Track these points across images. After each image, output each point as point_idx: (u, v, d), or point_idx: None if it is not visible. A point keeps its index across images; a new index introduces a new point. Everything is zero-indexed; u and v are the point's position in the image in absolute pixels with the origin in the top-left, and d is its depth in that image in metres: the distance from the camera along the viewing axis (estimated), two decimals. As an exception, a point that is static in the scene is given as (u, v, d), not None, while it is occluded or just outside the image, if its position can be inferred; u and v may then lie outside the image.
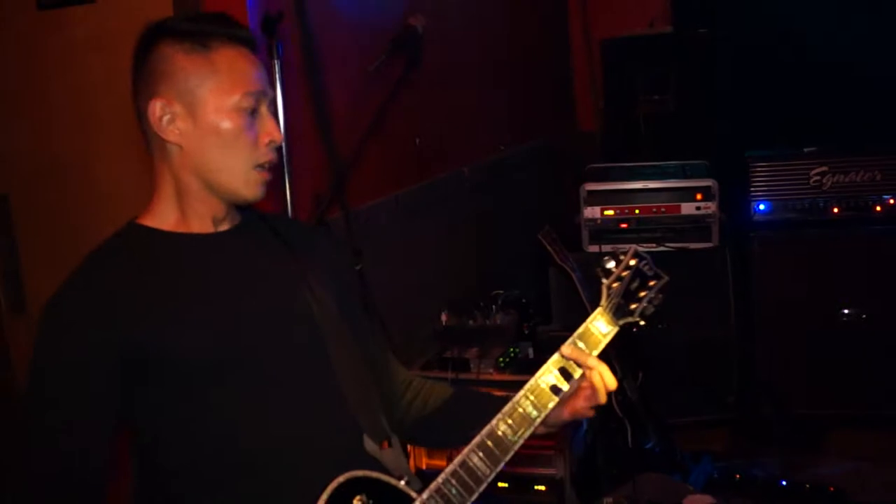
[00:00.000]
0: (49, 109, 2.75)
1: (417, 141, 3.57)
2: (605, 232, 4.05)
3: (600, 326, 1.76)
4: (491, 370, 3.23)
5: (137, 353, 1.51)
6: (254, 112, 1.61)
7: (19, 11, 2.71)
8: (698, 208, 3.99)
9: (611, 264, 1.80)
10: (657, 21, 5.12)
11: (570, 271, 3.73)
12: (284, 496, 1.55)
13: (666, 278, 1.82)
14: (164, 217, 1.64)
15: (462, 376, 3.19)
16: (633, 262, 1.80)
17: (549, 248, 3.78)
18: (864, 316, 4.07)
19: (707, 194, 3.98)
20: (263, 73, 1.65)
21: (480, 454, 1.63)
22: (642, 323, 1.81)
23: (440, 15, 3.65)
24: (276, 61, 2.33)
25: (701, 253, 4.02)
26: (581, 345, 1.74)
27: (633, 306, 1.78)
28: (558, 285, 4.12)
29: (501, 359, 3.26)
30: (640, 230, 4.05)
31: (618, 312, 1.78)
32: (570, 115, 5.48)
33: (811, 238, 4.12)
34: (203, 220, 1.64)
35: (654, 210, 4.02)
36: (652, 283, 1.81)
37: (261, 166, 1.63)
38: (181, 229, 1.63)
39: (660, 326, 1.80)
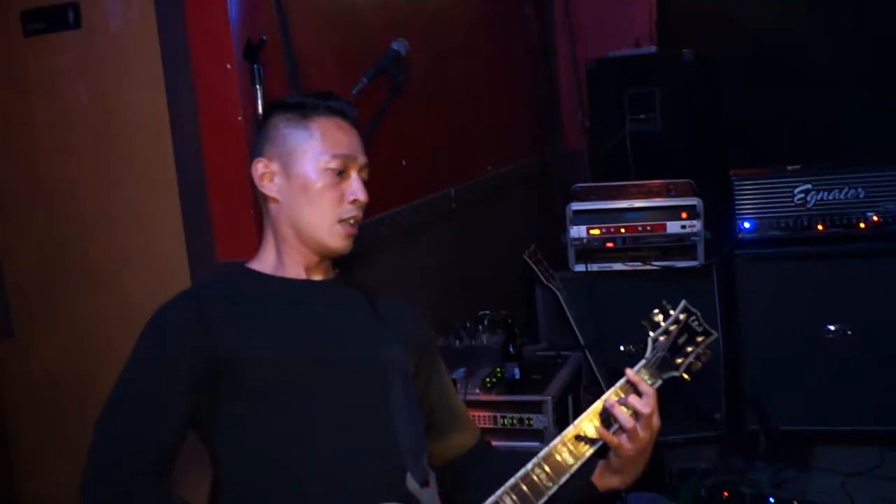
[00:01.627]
0: (34, 136, 2.75)
1: (404, 163, 3.57)
2: (591, 251, 4.06)
3: (643, 378, 1.79)
4: (477, 390, 3.22)
5: (219, 363, 1.69)
6: (341, 173, 1.86)
7: (4, 38, 2.72)
8: (683, 227, 4.00)
9: (659, 317, 1.83)
10: (642, 40, 5.16)
11: (556, 291, 3.76)
12: None
13: (715, 335, 1.85)
14: (265, 262, 1.90)
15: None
16: (682, 317, 1.84)
17: (535, 267, 3.81)
18: (849, 332, 4.09)
19: (692, 213, 3.99)
20: (356, 141, 1.92)
21: (514, 497, 1.71)
22: (686, 378, 1.82)
23: (426, 38, 3.67)
24: (257, 87, 2.35)
25: (687, 271, 4.03)
26: (623, 396, 1.77)
27: (679, 361, 1.82)
28: (545, 305, 4.14)
29: (488, 379, 3.26)
30: (626, 249, 4.05)
31: (662, 366, 1.81)
32: (556, 135, 5.50)
33: (796, 255, 4.13)
34: (297, 267, 1.88)
35: (640, 229, 4.03)
36: (700, 339, 1.83)
37: (344, 221, 1.86)
38: (279, 273, 1.87)
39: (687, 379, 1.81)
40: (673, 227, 4.01)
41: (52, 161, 2.75)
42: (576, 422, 1.77)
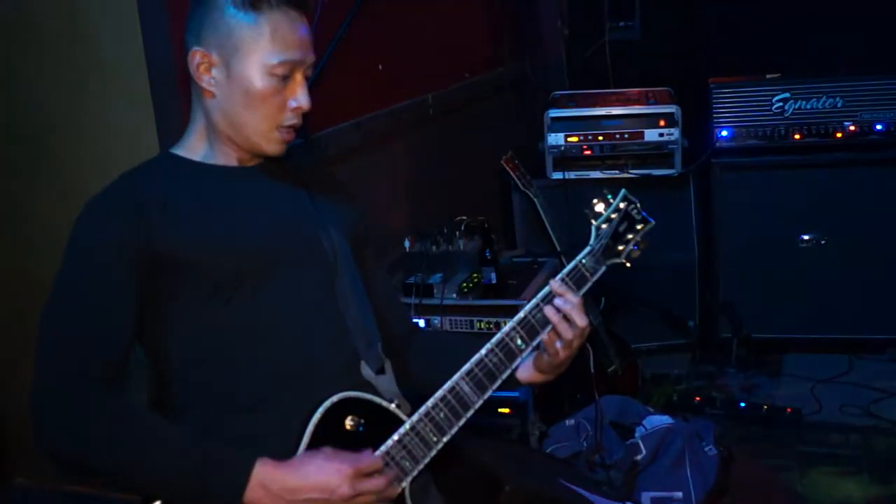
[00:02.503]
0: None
1: (380, 67, 3.53)
2: (568, 159, 4.06)
3: (588, 265, 1.81)
4: (454, 295, 3.23)
5: (160, 259, 1.62)
6: (286, 77, 1.70)
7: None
8: (661, 135, 4.00)
9: (600, 206, 1.86)
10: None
11: (532, 197, 3.77)
12: (281, 409, 1.64)
13: (652, 223, 1.88)
14: (194, 149, 1.76)
15: (425, 301, 3.21)
16: (622, 206, 1.86)
17: (512, 173, 3.81)
18: (822, 242, 4.14)
19: (670, 121, 3.99)
20: (307, 38, 1.73)
21: (469, 381, 1.71)
22: (628, 265, 1.86)
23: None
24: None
25: (664, 180, 4.04)
26: (569, 281, 1.79)
27: (621, 248, 1.85)
28: (521, 211, 4.16)
29: (465, 284, 3.27)
30: (604, 157, 4.05)
31: (606, 253, 1.83)
32: (535, 43, 5.43)
33: (773, 164, 4.16)
34: (228, 157, 1.76)
35: (618, 136, 4.02)
36: (639, 227, 1.86)
37: (283, 128, 1.73)
38: (209, 161, 1.76)
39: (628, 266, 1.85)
40: (651, 134, 4.01)
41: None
42: (525, 307, 1.78)
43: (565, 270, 1.81)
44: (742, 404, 3.78)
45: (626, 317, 4.13)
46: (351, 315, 1.77)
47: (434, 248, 3.49)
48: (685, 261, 4.21)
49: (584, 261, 1.82)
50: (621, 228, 1.85)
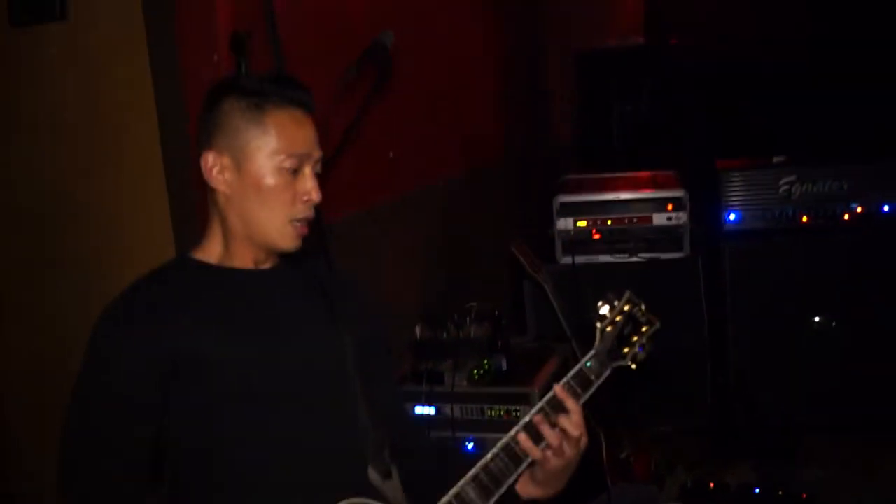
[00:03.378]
0: (22, 125, 2.75)
1: (391, 154, 3.58)
2: (578, 243, 4.08)
3: (594, 368, 1.84)
4: (465, 382, 3.23)
5: (177, 367, 1.65)
6: (296, 171, 1.75)
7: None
8: (669, 218, 4.03)
9: (605, 309, 1.88)
10: (631, 33, 5.17)
11: (542, 283, 3.77)
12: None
13: (657, 324, 1.91)
14: (210, 251, 1.80)
15: (436, 389, 3.21)
16: (627, 308, 1.89)
17: (522, 259, 3.79)
18: (834, 323, 4.13)
19: (678, 204, 4.02)
20: (313, 134, 1.79)
21: (475, 487, 1.71)
22: (633, 367, 1.88)
23: (415, 30, 3.67)
24: (244, 79, 2.34)
25: (673, 262, 4.06)
26: (574, 385, 1.82)
27: (626, 350, 1.87)
28: (532, 297, 4.15)
29: (476, 371, 3.27)
30: (613, 241, 4.07)
31: (611, 356, 1.86)
32: (545, 127, 5.51)
33: (781, 246, 4.16)
34: (245, 259, 1.79)
35: (626, 221, 4.05)
36: (644, 329, 1.89)
37: (296, 221, 1.76)
38: (226, 264, 1.79)
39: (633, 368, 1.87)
40: (659, 218, 4.04)
41: (39, 150, 2.73)
42: (531, 412, 1.79)
43: (570, 374, 1.82)
44: (757, 490, 3.73)
45: (640, 402, 4.00)
46: (360, 420, 1.79)
47: (445, 334, 3.47)
48: (696, 343, 4.19)
49: (588, 364, 1.84)
50: (626, 331, 1.88)
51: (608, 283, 3.97)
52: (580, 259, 4.07)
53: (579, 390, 1.81)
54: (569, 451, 1.76)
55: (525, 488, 1.85)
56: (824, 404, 4.15)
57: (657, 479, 3.74)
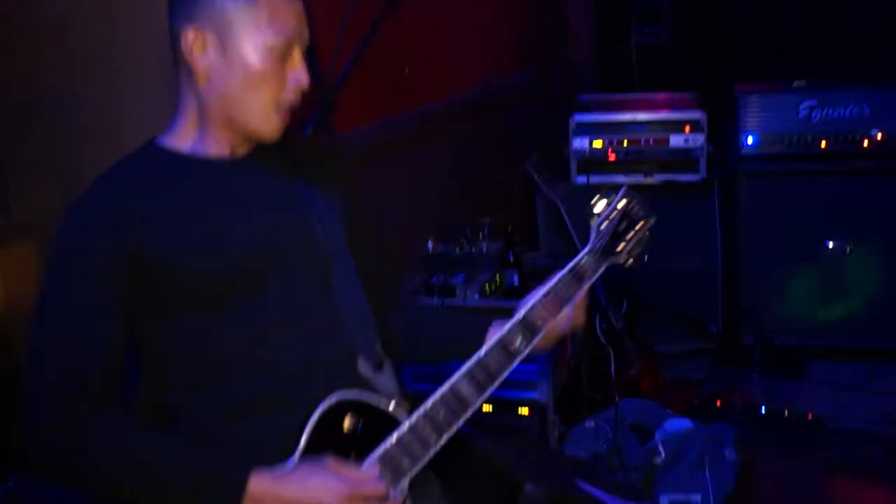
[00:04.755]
0: (35, 39, 2.71)
1: (407, 70, 3.56)
2: (592, 163, 4.06)
3: (588, 265, 1.83)
4: (476, 296, 3.27)
5: (146, 264, 1.57)
6: (285, 55, 1.63)
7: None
8: (686, 140, 4.00)
9: (600, 205, 1.86)
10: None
11: (556, 201, 3.77)
12: (279, 412, 1.62)
13: (653, 219, 1.86)
14: (182, 137, 1.68)
15: (448, 302, 3.24)
16: (621, 205, 1.86)
17: (536, 177, 3.80)
18: (847, 249, 4.13)
19: (695, 126, 3.99)
20: (303, 17, 1.66)
21: (469, 381, 1.70)
22: (628, 264, 1.87)
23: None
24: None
25: (688, 185, 4.05)
26: (570, 279, 1.81)
27: (620, 247, 1.85)
28: (545, 214, 4.17)
29: (487, 285, 3.31)
30: (629, 162, 4.05)
31: (605, 252, 1.84)
32: (562, 47, 5.45)
33: (798, 171, 4.14)
34: (220, 145, 1.68)
35: (643, 142, 4.03)
36: (639, 226, 1.86)
37: (283, 109, 1.66)
38: (199, 151, 1.67)
39: (646, 259, 1.86)
40: (676, 140, 4.01)
41: (54, 64, 2.70)
42: (523, 308, 1.81)
43: (566, 268, 1.82)
44: (763, 409, 3.78)
45: (648, 320, 4.11)
46: (348, 310, 1.74)
47: (457, 249, 3.52)
48: (708, 266, 4.21)
49: (583, 261, 1.83)
50: (620, 228, 1.85)
51: (622, 202, 4.01)
52: (594, 179, 4.06)
53: (574, 283, 1.81)
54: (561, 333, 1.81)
55: None
56: (833, 329, 4.18)
57: (665, 396, 3.78)
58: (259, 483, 1.52)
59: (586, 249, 1.83)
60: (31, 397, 1.55)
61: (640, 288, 3.88)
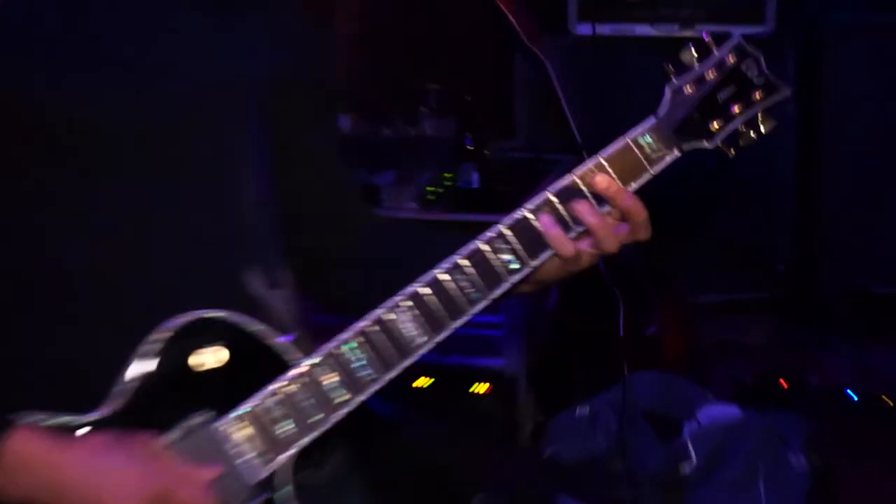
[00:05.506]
0: None
1: None
2: (602, 5, 3.95)
3: (650, 145, 1.68)
4: (413, 204, 3.25)
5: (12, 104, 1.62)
6: None
7: None
8: (749, -27, 3.94)
9: (691, 57, 1.70)
10: None
11: (543, 60, 3.63)
12: (115, 330, 1.62)
13: (787, 91, 1.68)
14: None
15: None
16: (732, 59, 1.70)
17: (514, 23, 3.64)
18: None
19: (762, -49, 3.92)
20: None
21: (414, 313, 1.65)
22: (731, 153, 1.71)
23: None
24: None
25: (749, 44, 3.87)
26: (610, 170, 1.66)
27: (717, 125, 1.70)
28: (525, 81, 4.08)
29: (431, 189, 3.27)
30: (658, 4, 3.97)
31: (685, 130, 1.70)
32: None
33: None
34: None
35: (683, -30, 3.99)
36: (758, 96, 1.70)
37: None
38: None
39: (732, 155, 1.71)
40: (732, -30, 3.99)
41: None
42: (526, 206, 1.63)
43: (606, 150, 1.64)
44: (851, 394, 3.72)
45: (681, 255, 4.09)
46: (248, 202, 1.74)
47: (387, 130, 3.52)
48: (774, 175, 4.17)
49: (642, 139, 1.66)
50: (723, 95, 1.69)
51: (644, 67, 3.83)
52: (605, 29, 3.94)
53: (615, 178, 1.67)
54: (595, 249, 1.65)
55: None
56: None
57: (698, 368, 3.74)
58: (25, 442, 1.50)
59: (649, 122, 1.66)
60: None
61: (671, 206, 3.74)
